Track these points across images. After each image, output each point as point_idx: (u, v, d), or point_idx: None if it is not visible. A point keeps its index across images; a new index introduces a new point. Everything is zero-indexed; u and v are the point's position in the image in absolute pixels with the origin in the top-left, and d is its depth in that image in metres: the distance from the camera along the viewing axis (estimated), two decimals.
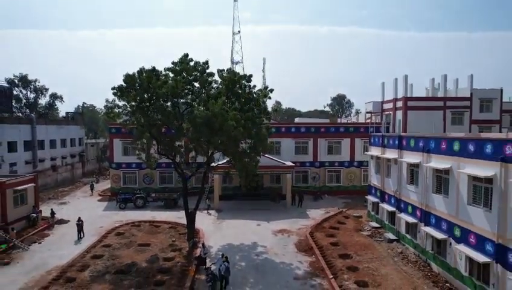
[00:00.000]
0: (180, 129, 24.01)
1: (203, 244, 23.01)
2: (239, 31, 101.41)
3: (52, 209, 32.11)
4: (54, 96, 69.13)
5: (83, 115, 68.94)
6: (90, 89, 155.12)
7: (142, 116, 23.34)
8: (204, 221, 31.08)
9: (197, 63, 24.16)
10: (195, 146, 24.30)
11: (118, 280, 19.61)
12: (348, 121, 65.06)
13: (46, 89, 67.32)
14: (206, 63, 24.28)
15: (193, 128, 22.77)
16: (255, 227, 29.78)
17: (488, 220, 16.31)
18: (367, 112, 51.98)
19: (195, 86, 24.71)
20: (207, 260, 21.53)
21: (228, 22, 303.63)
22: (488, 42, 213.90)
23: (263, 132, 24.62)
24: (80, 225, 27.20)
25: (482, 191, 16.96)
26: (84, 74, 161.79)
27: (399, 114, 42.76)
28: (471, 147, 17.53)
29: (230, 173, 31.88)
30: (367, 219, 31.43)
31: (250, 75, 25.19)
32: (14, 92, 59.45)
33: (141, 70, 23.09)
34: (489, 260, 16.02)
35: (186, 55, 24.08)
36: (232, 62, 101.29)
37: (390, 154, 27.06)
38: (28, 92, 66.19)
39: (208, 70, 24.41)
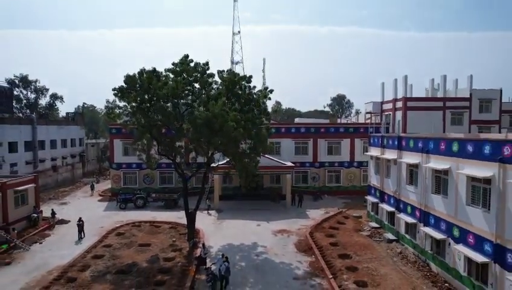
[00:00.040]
0: (180, 130, 24.15)
1: (203, 244, 23.13)
2: (239, 31, 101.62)
3: (52, 210, 32.24)
4: (54, 97, 69.39)
5: (83, 115, 69.02)
6: (90, 89, 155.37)
7: (142, 117, 23.47)
8: (204, 221, 31.19)
9: (197, 64, 24.27)
10: (195, 147, 24.42)
11: (118, 280, 19.72)
12: (348, 121, 65.16)
13: (47, 90, 67.64)
14: (207, 64, 24.40)
15: (193, 129, 22.89)
16: (255, 227, 29.88)
17: (486, 221, 16.41)
18: (367, 112, 52.06)
19: (195, 87, 24.85)
20: (207, 260, 21.63)
21: (228, 22, 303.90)
22: (488, 42, 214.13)
23: (263, 133, 24.74)
24: (80, 225, 27.30)
25: (480, 192, 17.06)
26: (84, 74, 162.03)
27: (399, 114, 42.84)
28: (469, 148, 17.63)
29: (230, 174, 32.03)
30: (367, 219, 31.53)
31: (250, 76, 25.30)
32: (15, 93, 59.65)
33: (142, 72, 23.21)
34: (487, 260, 16.13)
35: (187, 56, 24.19)
36: (232, 62, 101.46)
37: (390, 154, 27.17)
38: (29, 93, 66.47)
39: (208, 72, 24.52)
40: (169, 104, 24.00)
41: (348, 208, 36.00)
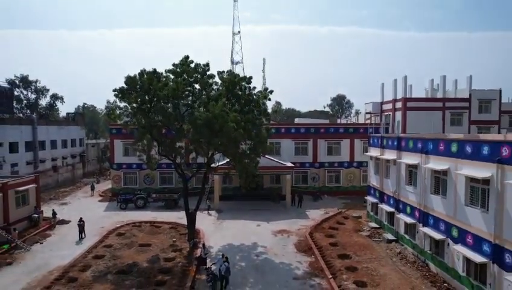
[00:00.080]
0: (180, 130, 24.27)
1: (203, 244, 23.24)
2: (239, 32, 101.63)
3: (53, 210, 32.36)
4: (55, 97, 69.49)
5: (84, 115, 69.14)
6: (90, 89, 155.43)
7: (143, 118, 23.58)
8: (204, 221, 31.29)
9: (197, 65, 24.38)
10: (195, 147, 24.53)
11: (119, 280, 19.82)
12: (348, 122, 65.27)
13: (47, 90, 67.76)
14: (207, 65, 24.51)
15: (193, 129, 23.02)
16: (255, 227, 29.99)
17: (485, 221, 16.52)
18: (366, 113, 52.19)
19: (195, 88, 24.94)
20: (207, 260, 21.73)
21: (228, 22, 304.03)
22: (488, 42, 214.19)
23: (263, 133, 24.85)
24: (81, 225, 27.39)
25: (479, 192, 17.16)
26: (84, 74, 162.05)
27: (398, 115, 42.96)
28: (468, 149, 17.73)
29: (230, 174, 32.13)
30: (366, 220, 31.63)
31: (250, 77, 25.41)
32: (15, 93, 59.69)
33: (142, 73, 23.33)
34: (486, 260, 16.23)
35: (187, 57, 24.29)
36: (232, 62, 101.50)
37: (389, 155, 27.27)
38: (29, 93, 66.62)
39: (208, 72, 24.62)
40: (169, 105, 24.11)
41: (347, 208, 36.10)
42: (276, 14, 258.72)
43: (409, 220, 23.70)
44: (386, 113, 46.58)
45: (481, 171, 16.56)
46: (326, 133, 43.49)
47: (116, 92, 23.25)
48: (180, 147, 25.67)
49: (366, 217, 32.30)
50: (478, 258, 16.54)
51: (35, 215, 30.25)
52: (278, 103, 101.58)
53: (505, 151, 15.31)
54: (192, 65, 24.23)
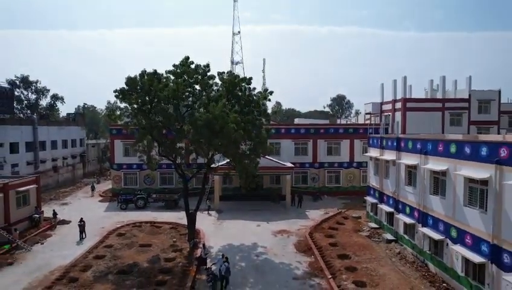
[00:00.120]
0: (181, 131, 24.38)
1: (203, 244, 23.36)
2: (239, 32, 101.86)
3: (54, 210, 32.44)
4: (55, 98, 69.63)
5: (84, 115, 69.26)
6: (91, 89, 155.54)
7: (143, 119, 23.69)
8: (204, 222, 31.38)
9: (197, 66, 24.49)
10: (195, 148, 24.64)
11: (120, 280, 19.93)
12: (348, 122, 65.37)
13: (47, 90, 67.89)
14: (207, 66, 24.62)
15: (194, 130, 23.13)
16: (255, 228, 30.09)
17: (483, 221, 16.62)
18: (366, 113, 52.27)
19: (196, 89, 25.04)
20: (207, 261, 21.84)
21: (228, 22, 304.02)
22: (487, 42, 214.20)
23: (263, 134, 24.94)
24: (81, 225, 27.49)
25: (477, 193, 17.26)
26: (84, 74, 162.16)
27: (398, 115, 43.05)
28: (467, 150, 17.84)
29: (230, 174, 32.25)
30: (366, 220, 31.72)
31: (250, 78, 25.53)
32: (16, 93, 59.85)
33: (143, 73, 23.45)
34: (484, 261, 16.33)
35: (187, 58, 24.40)
36: (232, 62, 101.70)
37: (389, 155, 27.36)
38: (29, 93, 66.79)
39: (208, 73, 24.72)
40: (170, 106, 24.19)
41: (347, 208, 36.20)
42: (276, 14, 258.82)
43: (408, 220, 23.80)
44: (385, 114, 46.67)
45: (480, 172, 16.67)
46: (326, 134, 43.59)
47: (116, 93, 23.37)
48: (180, 147, 25.77)
49: (365, 217, 32.40)
50: (477, 258, 16.64)
51: (36, 215, 30.34)
52: (278, 103, 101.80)
53: (503, 152, 15.42)
54: (193, 66, 24.35)
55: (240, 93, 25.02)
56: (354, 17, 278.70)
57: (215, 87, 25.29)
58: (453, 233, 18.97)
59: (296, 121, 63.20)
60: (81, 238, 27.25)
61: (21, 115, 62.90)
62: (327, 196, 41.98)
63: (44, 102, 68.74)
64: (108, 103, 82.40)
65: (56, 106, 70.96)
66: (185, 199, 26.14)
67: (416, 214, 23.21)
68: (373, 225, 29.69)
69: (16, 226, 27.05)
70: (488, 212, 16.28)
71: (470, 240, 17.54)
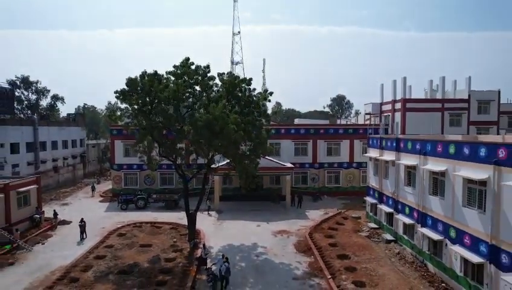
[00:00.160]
0: (181, 132, 24.47)
1: (203, 245, 23.45)
2: (239, 32, 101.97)
3: (54, 210, 32.52)
4: (55, 98, 69.75)
5: (84, 116, 69.38)
6: (91, 89, 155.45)
7: (144, 119, 23.79)
8: (204, 222, 31.47)
9: (198, 66, 24.57)
10: (196, 148, 24.74)
11: (120, 280, 20.02)
12: (348, 122, 65.45)
13: (48, 91, 68.01)
14: (207, 67, 24.71)
15: (194, 131, 23.23)
16: (255, 228, 30.18)
17: (482, 222, 16.71)
18: (366, 114, 52.35)
19: (196, 90, 25.13)
20: (208, 261, 21.93)
21: (228, 22, 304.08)
22: (487, 42, 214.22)
23: (263, 135, 25.04)
24: (82, 225, 27.58)
25: (476, 194, 17.35)
26: (85, 74, 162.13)
27: (397, 116, 43.13)
28: (465, 150, 17.93)
29: (230, 175, 32.32)
30: (365, 220, 31.81)
31: (250, 79, 25.63)
32: (16, 94, 59.97)
33: (143, 74, 23.55)
34: (483, 261, 16.42)
35: (188, 59, 24.49)
36: (232, 63, 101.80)
37: (388, 156, 27.46)
38: (30, 94, 66.92)
39: (208, 74, 24.81)
40: (170, 107, 24.29)
41: (347, 208, 36.29)
42: (276, 14, 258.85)
43: (408, 220, 23.89)
44: (385, 114, 46.75)
45: (478, 172, 16.76)
46: (325, 134, 43.68)
47: (117, 94, 23.47)
48: (180, 148, 25.90)
49: (365, 217, 32.49)
50: (475, 258, 16.73)
51: (36, 215, 30.44)
52: (278, 104, 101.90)
53: (501, 153, 15.50)
54: (193, 67, 24.43)
55: (240, 94, 25.12)
56: (354, 17, 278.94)
57: (215, 88, 25.39)
58: (452, 233, 19.07)
59: (296, 121, 63.30)
60: (82, 239, 27.34)
61: (21, 116, 63.07)
62: (327, 196, 42.06)
63: (44, 102, 69.00)
64: (109, 103, 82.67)
65: (56, 106, 71.13)
66: (185, 199, 26.24)
67: (415, 214, 23.30)
68: (372, 225, 29.78)
69: (17, 227, 27.14)
70: (487, 213, 16.37)
71: (469, 240, 17.63)
